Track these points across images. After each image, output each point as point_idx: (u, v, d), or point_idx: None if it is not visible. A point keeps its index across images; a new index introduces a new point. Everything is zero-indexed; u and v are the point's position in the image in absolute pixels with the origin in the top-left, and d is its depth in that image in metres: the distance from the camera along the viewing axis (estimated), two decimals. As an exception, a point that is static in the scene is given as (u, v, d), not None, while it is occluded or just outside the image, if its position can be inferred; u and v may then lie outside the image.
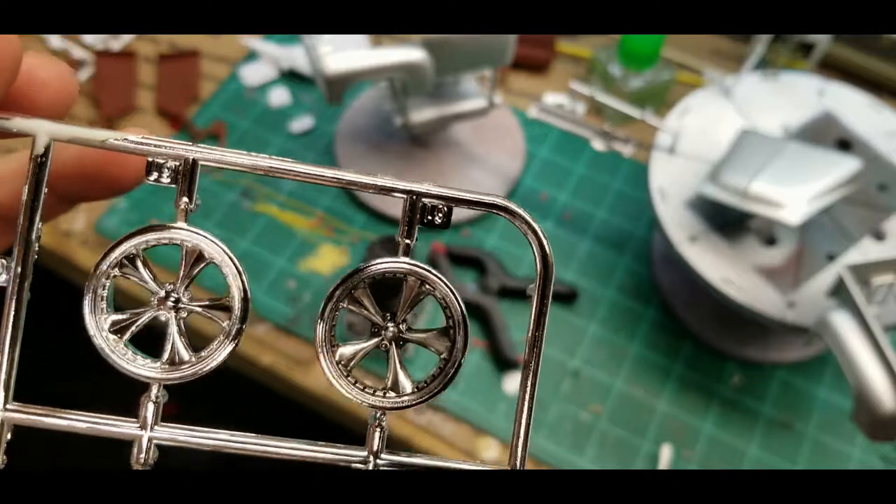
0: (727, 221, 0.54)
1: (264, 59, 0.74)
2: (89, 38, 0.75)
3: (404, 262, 0.16)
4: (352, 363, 0.17)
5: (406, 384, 0.17)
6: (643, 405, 0.57)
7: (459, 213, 0.65)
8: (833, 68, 0.75)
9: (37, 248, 0.15)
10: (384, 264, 0.16)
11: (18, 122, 0.15)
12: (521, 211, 0.17)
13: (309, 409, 0.60)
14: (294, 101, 0.72)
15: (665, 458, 0.54)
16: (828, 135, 0.59)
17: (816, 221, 0.54)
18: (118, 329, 0.15)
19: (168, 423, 0.16)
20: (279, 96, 0.72)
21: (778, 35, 0.72)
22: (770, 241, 0.55)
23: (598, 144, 0.70)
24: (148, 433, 0.15)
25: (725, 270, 0.52)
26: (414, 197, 0.16)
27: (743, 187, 0.49)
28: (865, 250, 0.53)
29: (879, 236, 0.54)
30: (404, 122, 0.61)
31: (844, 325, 0.43)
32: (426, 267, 0.16)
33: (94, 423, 0.15)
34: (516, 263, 0.63)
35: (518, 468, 0.17)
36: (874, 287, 0.45)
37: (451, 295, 0.16)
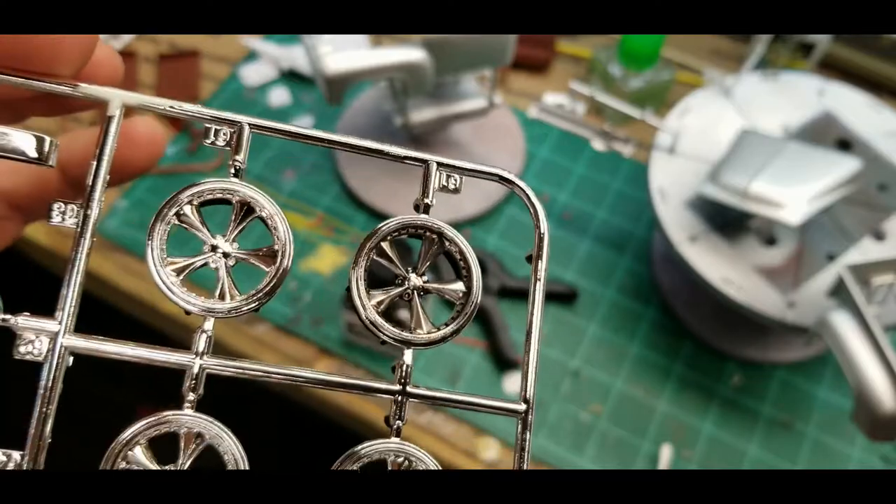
0: (727, 221, 0.54)
1: (264, 59, 0.74)
2: (89, 38, 0.75)
3: (425, 218, 0.19)
4: (381, 307, 0.18)
5: (426, 325, 0.18)
6: (643, 405, 0.57)
7: (460, 213, 0.65)
8: (833, 68, 0.75)
9: (102, 199, 0.17)
10: (407, 218, 0.18)
11: (93, 90, 0.17)
12: (518, 181, 0.20)
13: (309, 408, 0.60)
14: (294, 101, 0.72)
15: (665, 458, 0.54)
16: (828, 135, 0.59)
17: (816, 221, 0.54)
18: (176, 270, 0.17)
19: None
20: (279, 96, 0.72)
21: (778, 35, 0.72)
22: (770, 241, 0.55)
23: (598, 144, 0.70)
24: (200, 361, 0.17)
25: (725, 270, 0.52)
26: (429, 163, 0.19)
27: (743, 187, 0.49)
28: (865, 250, 0.53)
29: (879, 236, 0.54)
30: (404, 122, 0.61)
31: (844, 325, 0.43)
32: (442, 223, 0.19)
33: (149, 352, 0.16)
34: (517, 263, 0.63)
35: (529, 403, 0.19)
36: (874, 287, 0.45)
37: (466, 250, 0.19)
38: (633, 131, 0.70)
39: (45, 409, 0.16)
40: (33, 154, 0.16)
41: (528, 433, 0.19)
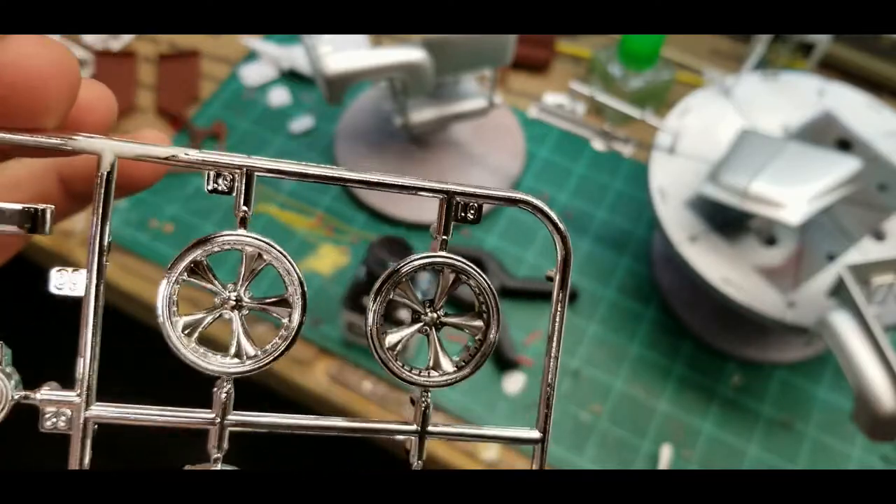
0: (727, 221, 0.54)
1: (264, 59, 0.74)
2: (89, 38, 0.75)
3: (443, 256, 0.18)
4: (398, 347, 0.18)
5: (447, 364, 0.18)
6: (643, 405, 0.57)
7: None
8: (833, 68, 0.75)
9: (106, 262, 0.16)
10: (426, 259, 0.18)
11: (83, 142, 0.16)
12: (540, 204, 0.18)
13: (309, 409, 0.60)
14: (294, 101, 0.72)
15: (665, 458, 0.54)
16: (828, 135, 0.59)
17: (816, 221, 0.54)
18: (189, 331, 0.17)
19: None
20: (279, 96, 0.72)
21: (778, 35, 0.72)
22: (770, 241, 0.55)
23: (598, 144, 0.70)
24: (222, 420, 0.17)
25: (725, 270, 0.52)
26: (449, 196, 0.18)
27: (743, 187, 0.49)
28: (865, 250, 0.53)
29: (879, 236, 0.54)
30: (404, 122, 0.61)
31: (844, 325, 0.43)
32: (463, 260, 0.18)
33: (171, 415, 0.16)
34: (516, 263, 0.63)
35: (545, 432, 0.19)
36: (874, 287, 0.45)
37: (486, 284, 0.18)
38: (632, 131, 0.70)
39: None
40: (24, 230, 0.15)
41: (544, 457, 0.19)
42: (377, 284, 0.18)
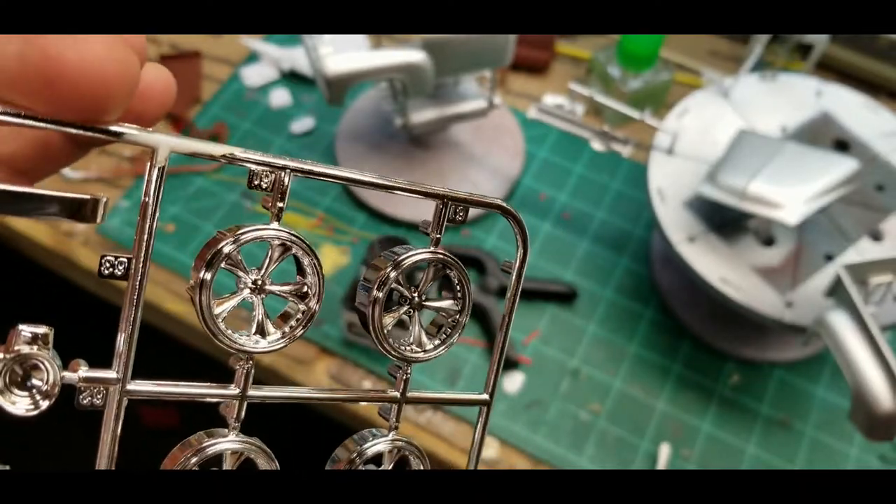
0: (725, 222, 0.55)
1: (265, 60, 0.74)
2: (89, 39, 0.75)
3: (440, 252, 0.21)
4: (387, 326, 0.20)
5: (426, 342, 0.21)
6: (642, 404, 0.57)
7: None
8: (830, 69, 0.76)
9: (152, 247, 0.17)
10: (422, 254, 0.20)
11: (140, 136, 0.16)
12: (512, 209, 0.22)
13: (309, 408, 0.60)
14: (295, 101, 0.72)
15: (664, 457, 0.54)
16: (825, 135, 0.59)
17: (814, 221, 0.54)
18: (221, 315, 0.18)
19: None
20: (280, 97, 0.72)
21: (776, 36, 0.72)
22: (768, 241, 0.55)
23: (598, 145, 0.70)
24: (244, 394, 0.18)
25: (724, 270, 0.52)
26: (448, 201, 0.21)
27: (741, 188, 0.50)
28: (863, 250, 0.53)
29: (877, 236, 0.54)
30: (404, 122, 0.61)
31: (842, 325, 0.43)
32: (452, 257, 0.21)
33: (197, 390, 0.18)
34: (515, 263, 0.63)
35: (490, 395, 0.22)
36: (872, 287, 0.45)
37: (465, 278, 0.21)
38: (632, 132, 0.70)
39: (110, 453, 0.17)
40: (82, 216, 0.16)
41: (482, 420, 0.22)
42: (384, 276, 0.20)
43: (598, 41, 0.76)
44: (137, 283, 0.17)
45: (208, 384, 0.18)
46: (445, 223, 0.21)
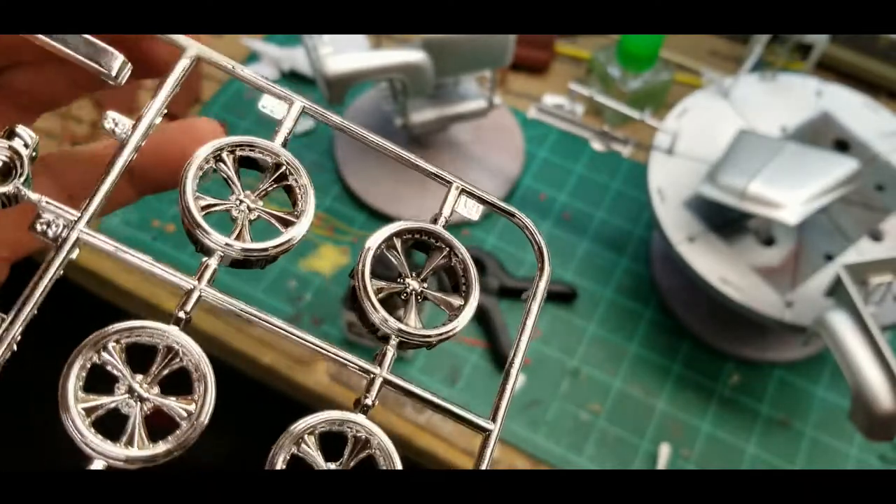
0: (725, 221, 0.55)
1: (265, 60, 0.74)
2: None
3: (439, 229, 0.20)
4: (379, 295, 0.19)
5: (416, 323, 0.19)
6: (642, 404, 0.57)
7: (460, 213, 0.64)
8: (830, 69, 0.76)
9: (158, 118, 0.18)
10: (421, 224, 0.19)
11: (176, 36, 0.18)
12: (527, 220, 0.21)
13: (309, 407, 0.60)
14: (294, 101, 0.72)
15: (663, 457, 0.54)
16: (825, 135, 0.59)
17: (814, 221, 0.54)
18: (205, 210, 0.18)
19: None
20: (279, 97, 0.72)
21: (776, 36, 0.72)
22: (768, 241, 0.55)
23: (597, 145, 0.70)
24: (200, 286, 0.17)
25: (724, 270, 0.52)
26: (461, 189, 0.20)
27: (741, 188, 0.50)
28: (863, 250, 0.53)
29: (877, 236, 0.54)
30: (404, 122, 0.61)
31: (842, 325, 0.43)
32: (455, 239, 0.20)
33: (156, 267, 0.17)
34: (516, 263, 0.63)
35: (496, 426, 0.19)
36: (872, 287, 0.45)
37: (471, 267, 0.20)
38: (631, 132, 0.70)
39: (39, 278, 0.16)
40: (114, 71, 0.17)
41: (488, 451, 0.19)
42: (381, 239, 0.19)
43: (598, 41, 0.76)
44: (129, 149, 0.17)
45: (169, 268, 0.17)
46: (452, 211, 0.20)
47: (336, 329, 0.58)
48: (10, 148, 0.16)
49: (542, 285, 0.21)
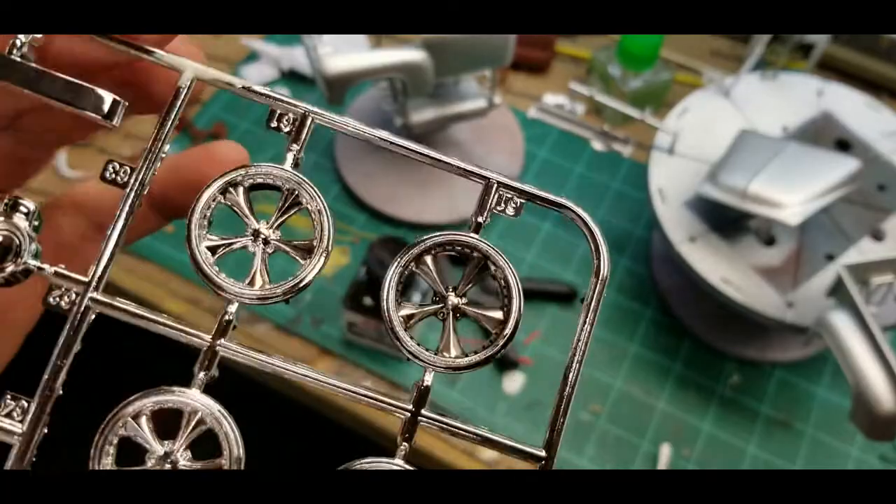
0: (726, 221, 0.54)
1: (265, 60, 0.74)
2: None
3: (473, 237, 0.17)
4: (411, 322, 0.17)
5: (454, 350, 0.17)
6: (642, 404, 0.57)
7: (459, 213, 0.64)
8: (832, 69, 0.75)
9: (156, 168, 0.17)
10: (455, 235, 0.17)
11: (171, 58, 0.17)
12: (583, 213, 0.18)
13: (309, 407, 0.60)
14: (294, 101, 0.72)
15: (664, 457, 0.54)
16: (827, 135, 0.59)
17: (815, 221, 0.54)
18: (212, 248, 0.17)
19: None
20: (279, 96, 0.72)
21: (777, 35, 0.72)
22: (769, 241, 0.55)
23: (598, 145, 0.70)
24: (216, 344, 0.16)
25: (724, 270, 0.52)
26: (497, 184, 0.18)
27: (742, 187, 0.49)
28: (864, 250, 0.53)
29: (878, 236, 0.54)
30: (404, 122, 0.61)
31: (843, 325, 0.43)
32: (493, 248, 0.17)
33: (169, 323, 0.16)
34: (516, 263, 0.63)
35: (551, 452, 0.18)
36: (873, 287, 0.45)
37: (512, 277, 0.17)
38: (632, 132, 0.70)
39: (59, 362, 0.16)
40: (104, 111, 0.16)
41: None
42: (401, 252, 0.17)
43: (598, 41, 0.76)
44: (132, 195, 0.17)
45: (183, 323, 0.17)
46: (491, 211, 0.17)
47: (336, 329, 0.58)
48: (12, 224, 0.16)
49: (600, 288, 0.18)
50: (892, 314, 0.48)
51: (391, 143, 0.18)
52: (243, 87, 0.17)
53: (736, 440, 0.56)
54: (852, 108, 0.60)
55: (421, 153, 0.18)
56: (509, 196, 0.18)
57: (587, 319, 0.18)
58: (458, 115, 0.63)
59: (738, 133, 0.54)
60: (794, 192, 0.49)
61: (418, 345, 0.17)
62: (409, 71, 0.55)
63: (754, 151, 0.52)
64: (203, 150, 0.20)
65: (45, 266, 0.16)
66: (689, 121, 0.59)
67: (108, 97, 0.16)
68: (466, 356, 0.17)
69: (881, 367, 0.41)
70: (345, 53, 0.53)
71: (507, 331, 0.17)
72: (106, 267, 0.16)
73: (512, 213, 0.18)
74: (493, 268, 0.17)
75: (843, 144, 0.58)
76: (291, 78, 0.74)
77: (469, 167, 0.18)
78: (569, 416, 0.19)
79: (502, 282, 0.17)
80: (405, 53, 0.54)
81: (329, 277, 0.61)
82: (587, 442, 0.55)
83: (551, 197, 0.18)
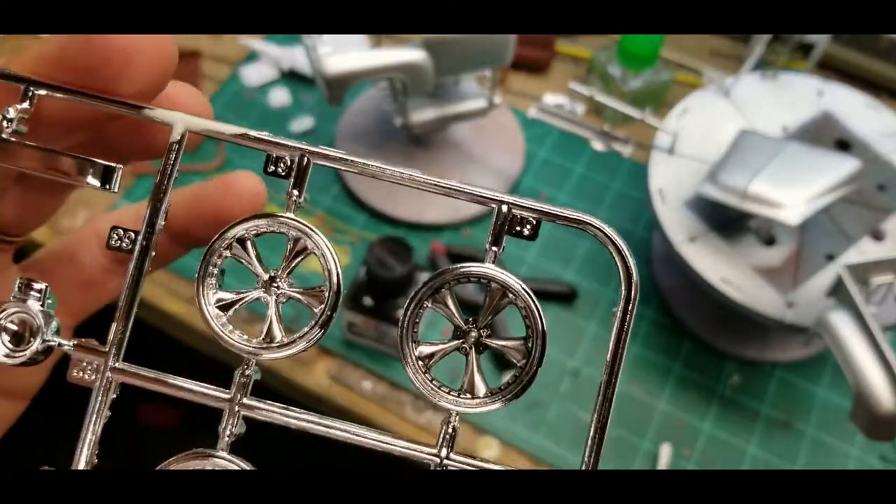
0: (726, 222, 0.54)
1: (265, 60, 0.74)
2: (89, 39, 0.75)
3: (490, 268, 0.17)
4: (430, 362, 0.17)
5: (481, 388, 0.17)
6: (643, 404, 0.57)
7: (459, 213, 0.64)
8: (832, 69, 0.75)
9: (161, 226, 0.17)
10: (472, 267, 0.16)
11: (160, 113, 0.17)
12: (608, 229, 0.17)
13: (309, 408, 0.60)
14: (294, 101, 0.72)
15: (664, 458, 0.54)
16: (827, 135, 0.59)
17: (815, 221, 0.54)
18: (223, 305, 0.17)
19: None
20: (279, 97, 0.72)
21: (777, 35, 0.72)
22: (769, 241, 0.55)
23: (598, 144, 0.70)
24: (236, 404, 0.16)
25: (725, 270, 0.52)
26: (505, 207, 0.17)
27: (742, 187, 0.49)
28: (864, 250, 0.53)
29: (878, 236, 0.54)
30: (404, 122, 0.61)
31: (843, 325, 0.43)
32: (512, 276, 0.17)
33: (189, 386, 0.17)
34: (516, 263, 0.63)
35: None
36: (873, 287, 0.45)
37: (533, 307, 0.17)
38: (632, 131, 0.70)
39: (91, 435, 0.16)
40: (100, 180, 0.16)
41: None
42: (416, 289, 0.17)
43: (599, 41, 0.76)
44: (136, 259, 0.17)
45: (202, 384, 0.17)
46: (506, 236, 0.17)
47: (336, 329, 0.58)
48: (26, 308, 0.16)
49: (632, 307, 0.17)
50: (892, 314, 0.48)
51: (401, 174, 0.18)
52: (238, 135, 0.17)
53: (736, 440, 0.56)
54: (852, 108, 0.60)
55: (431, 182, 0.17)
56: (524, 216, 0.17)
57: (620, 345, 0.17)
58: (458, 115, 0.63)
59: (738, 133, 0.54)
60: (794, 193, 0.49)
61: (440, 387, 0.17)
62: (409, 71, 0.55)
63: (754, 151, 0.52)
64: (221, 183, 0.20)
65: (66, 342, 0.16)
66: (689, 121, 0.59)
67: (102, 166, 0.16)
68: (492, 393, 0.17)
69: (881, 367, 0.41)
70: (345, 53, 0.53)
71: (532, 368, 0.16)
72: (122, 335, 0.17)
73: (528, 234, 0.17)
74: (511, 296, 0.17)
75: (843, 144, 0.58)
76: (291, 78, 0.74)
77: (481, 192, 0.17)
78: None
79: (524, 311, 0.17)
80: (405, 53, 0.54)
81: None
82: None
83: (570, 213, 0.17)
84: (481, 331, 0.17)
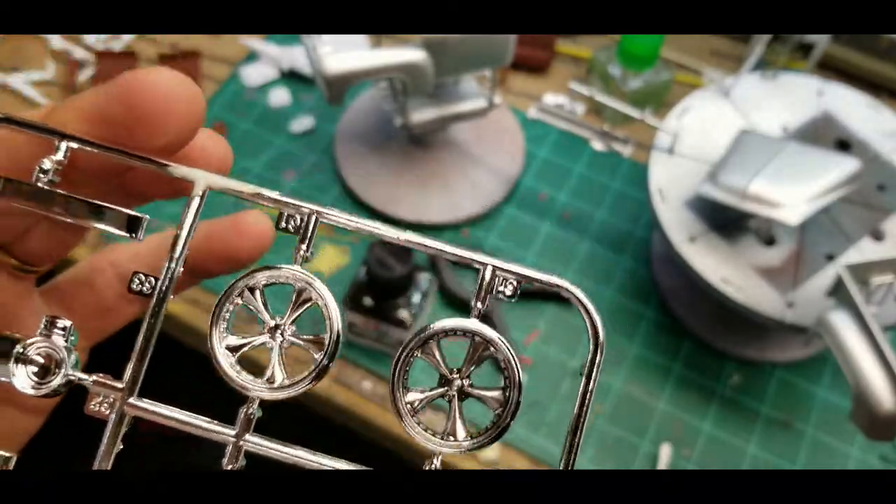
0: (726, 221, 0.54)
1: (265, 60, 0.74)
2: (90, 39, 0.75)
3: (474, 324, 0.18)
4: (417, 406, 0.19)
5: (461, 433, 0.18)
6: (643, 405, 0.57)
7: (459, 213, 0.64)
8: (832, 69, 0.75)
9: (179, 273, 0.18)
10: (455, 322, 0.18)
11: (183, 170, 0.18)
12: (580, 294, 0.19)
13: (309, 408, 0.60)
14: (294, 101, 0.72)
15: (664, 458, 0.54)
16: (827, 135, 0.59)
17: (815, 221, 0.54)
18: (232, 349, 0.18)
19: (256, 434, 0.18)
20: (279, 97, 0.72)
21: (777, 35, 0.72)
22: (769, 241, 0.55)
23: (598, 144, 0.70)
24: (240, 440, 0.18)
25: (725, 270, 0.52)
26: (489, 271, 0.18)
27: (742, 187, 0.49)
28: (864, 250, 0.53)
29: (878, 236, 0.54)
30: (404, 122, 0.61)
31: (843, 325, 0.43)
32: (494, 333, 0.18)
33: (196, 422, 0.18)
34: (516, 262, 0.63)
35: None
36: (873, 287, 0.45)
37: (512, 360, 0.18)
38: (632, 132, 0.70)
39: (105, 466, 0.17)
40: (126, 229, 0.18)
41: None
42: (406, 341, 0.18)
43: (598, 41, 0.76)
44: (154, 302, 0.18)
45: (210, 421, 0.18)
46: (488, 295, 0.18)
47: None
48: (51, 343, 0.17)
49: (598, 366, 0.20)
50: (892, 314, 0.48)
51: (397, 238, 0.19)
52: (254, 195, 0.19)
53: (736, 440, 0.56)
54: (852, 107, 0.60)
55: (420, 244, 0.18)
56: (506, 277, 0.18)
57: (588, 391, 0.20)
58: (458, 115, 0.63)
59: (738, 133, 0.54)
60: (794, 192, 0.49)
61: (425, 430, 0.18)
62: (409, 71, 0.55)
63: (754, 151, 0.52)
64: (232, 223, 0.22)
65: (85, 377, 0.18)
66: (689, 121, 0.59)
67: (127, 216, 0.18)
68: (472, 438, 0.18)
69: (881, 367, 0.41)
70: (345, 53, 0.53)
71: (506, 419, 0.18)
72: (137, 373, 0.18)
73: (510, 294, 0.18)
74: (492, 350, 0.18)
75: (843, 144, 0.58)
76: (291, 78, 0.74)
77: (466, 254, 0.18)
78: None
79: (503, 364, 0.18)
80: (405, 53, 0.54)
81: (329, 277, 0.61)
82: (587, 442, 0.55)
83: (546, 277, 0.18)
84: (464, 380, 0.18)
